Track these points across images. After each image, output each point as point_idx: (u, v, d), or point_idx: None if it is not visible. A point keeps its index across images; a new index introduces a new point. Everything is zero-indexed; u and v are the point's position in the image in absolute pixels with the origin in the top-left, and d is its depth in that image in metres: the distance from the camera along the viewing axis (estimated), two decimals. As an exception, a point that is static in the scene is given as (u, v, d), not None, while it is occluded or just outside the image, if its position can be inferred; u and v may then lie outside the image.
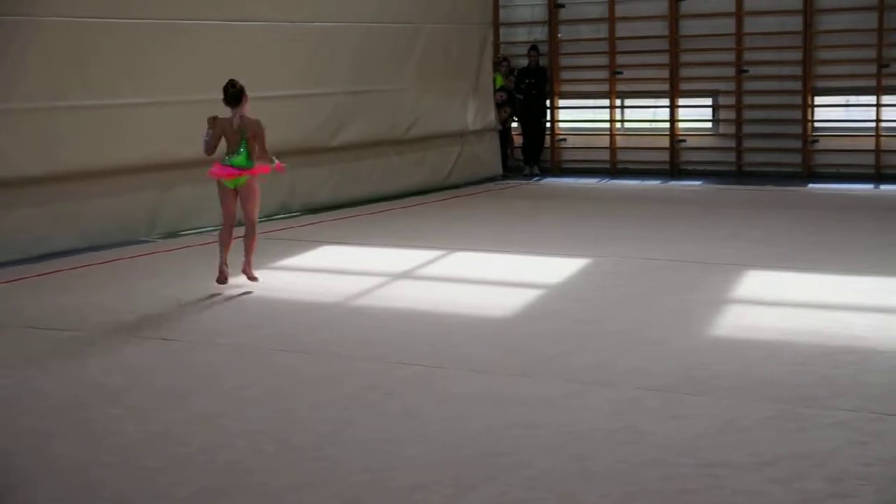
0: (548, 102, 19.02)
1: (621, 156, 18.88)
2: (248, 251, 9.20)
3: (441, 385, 6.34)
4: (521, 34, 19.40)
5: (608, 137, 18.89)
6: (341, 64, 14.53)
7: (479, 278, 9.62)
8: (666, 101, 18.46)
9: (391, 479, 4.85)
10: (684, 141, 18.51)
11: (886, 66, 16.74)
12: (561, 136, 19.35)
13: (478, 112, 17.30)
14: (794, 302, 8.32)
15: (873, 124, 17.16)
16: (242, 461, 5.12)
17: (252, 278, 9.19)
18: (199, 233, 12.09)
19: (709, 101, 18.59)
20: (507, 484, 4.76)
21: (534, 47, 18.64)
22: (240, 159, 8.90)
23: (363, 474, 4.91)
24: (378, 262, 10.45)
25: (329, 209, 14.08)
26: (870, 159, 17.16)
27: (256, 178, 9.09)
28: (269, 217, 13.23)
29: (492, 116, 17.73)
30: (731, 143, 18.18)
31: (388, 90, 15.42)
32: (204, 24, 12.58)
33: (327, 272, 10.13)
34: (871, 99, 17.15)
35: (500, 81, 18.34)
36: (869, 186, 16.24)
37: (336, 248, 11.35)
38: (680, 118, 18.53)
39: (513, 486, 4.74)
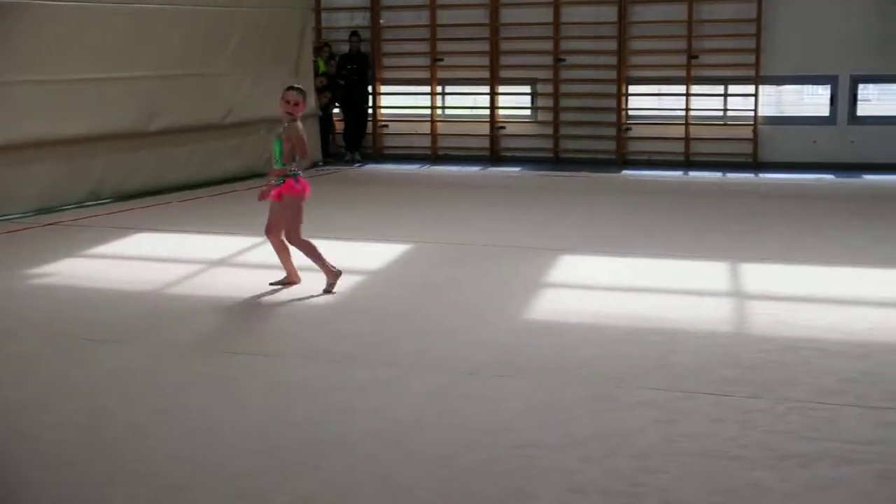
0: (369, 88, 19.05)
1: (442, 142, 19.09)
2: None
3: (265, 372, 6.30)
4: (343, 19, 19.36)
5: (429, 124, 19.07)
6: (156, 47, 14.21)
7: (301, 265, 9.57)
8: (486, 89, 18.74)
9: (215, 468, 4.81)
10: (504, 128, 18.84)
11: (696, 57, 17.42)
12: (383, 123, 19.41)
13: (299, 97, 17.16)
14: (607, 285, 8.59)
15: (683, 113, 17.82)
16: (58, 455, 4.98)
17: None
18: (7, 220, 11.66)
19: (527, 89, 18.97)
20: (329, 470, 4.78)
21: (355, 33, 18.64)
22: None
23: (187, 464, 4.85)
24: (195, 250, 10.29)
25: (145, 195, 13.77)
26: (680, 147, 17.83)
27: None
28: (79, 204, 12.86)
29: (312, 102, 17.63)
30: (549, 131, 18.60)
31: (205, 74, 15.16)
32: (16, 2, 12.12)
33: (141, 260, 9.91)
34: (681, 89, 17.82)
35: (321, 67, 18.26)
36: (679, 173, 16.87)
37: (151, 236, 11.11)
38: (500, 105, 18.85)
39: (335, 472, 4.77)
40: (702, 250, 9.98)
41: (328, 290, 8.37)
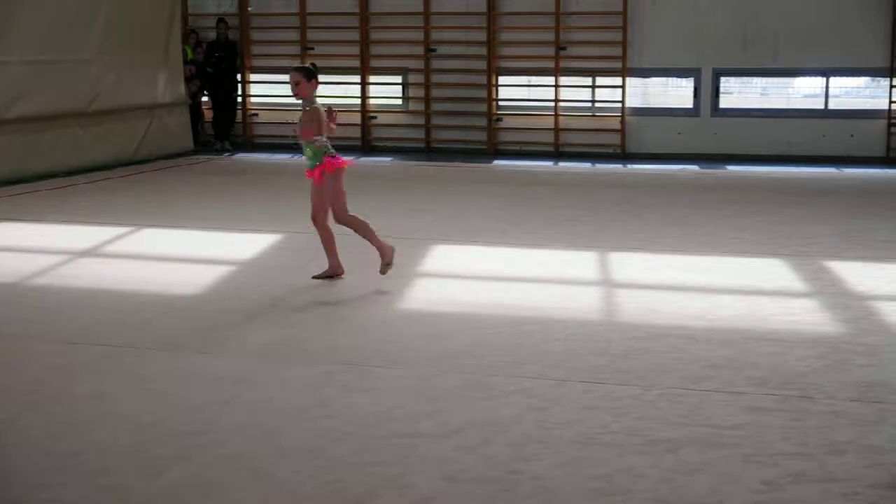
0: (238, 77, 18.78)
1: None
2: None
3: (130, 365, 6.16)
4: (210, 6, 19.04)
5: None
6: (15, 31, 13.74)
7: (168, 255, 9.39)
8: (357, 78, 18.65)
9: (77, 464, 4.67)
10: (375, 118, 18.78)
11: (564, 48, 17.64)
12: (253, 112, 19.16)
13: (167, 85, 16.83)
14: (481, 274, 8.64)
15: (552, 104, 18.03)
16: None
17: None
18: None
19: (399, 79, 18.94)
20: (199, 464, 4.69)
21: (222, 20, 18.34)
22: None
23: (47, 459, 4.70)
24: (59, 240, 9.99)
25: (6, 184, 13.31)
26: (550, 137, 18.04)
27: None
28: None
29: (182, 89, 17.31)
30: (421, 121, 18.62)
31: (69, 60, 14.72)
32: None
33: (2, 250, 9.58)
34: (551, 80, 18.02)
35: (189, 54, 17.92)
36: (549, 163, 17.07)
37: (12, 225, 10.75)
38: (371, 95, 18.78)
39: (205, 465, 4.68)
40: (572, 239, 10.11)
41: (385, 270, 8.15)
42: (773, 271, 8.67)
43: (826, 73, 17.40)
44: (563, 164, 16.85)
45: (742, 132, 17.38)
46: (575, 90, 18.25)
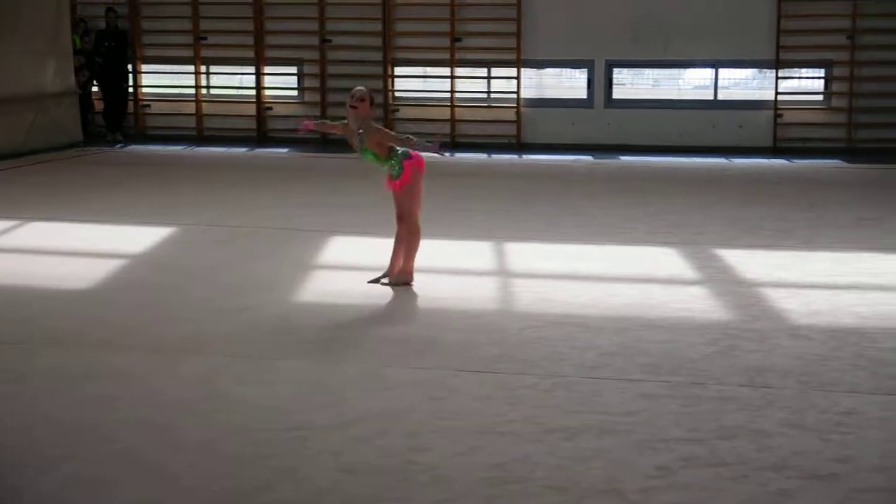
0: (129, 67, 18.41)
1: (208, 123, 18.66)
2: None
3: (18, 360, 5.99)
4: (100, -6, 18.63)
5: (194, 104, 18.60)
6: None
7: (56, 248, 9.16)
8: (252, 69, 18.43)
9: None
10: (271, 108, 18.59)
11: (459, 39, 17.67)
12: (145, 102, 18.81)
13: (56, 74, 16.41)
14: (377, 266, 8.59)
15: (448, 95, 18.05)
16: None
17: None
18: None
19: (294, 69, 18.76)
20: (90, 460, 4.58)
21: (111, 9, 17.94)
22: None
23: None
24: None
25: None
26: (446, 128, 18.05)
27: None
28: None
29: (71, 79, 16.90)
30: (316, 112, 18.46)
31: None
32: None
33: None
34: (446, 71, 18.04)
35: (77, 44, 17.49)
36: (446, 154, 17.05)
37: None
38: (266, 86, 18.58)
39: (97, 461, 4.57)
40: (467, 230, 10.14)
41: (379, 281, 7.88)
42: (664, 260, 8.80)
43: (715, 64, 17.74)
44: (459, 155, 16.89)
45: (634, 123, 17.63)
46: (470, 81, 18.30)
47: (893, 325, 6.79)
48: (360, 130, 7.78)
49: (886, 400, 5.37)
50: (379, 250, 9.19)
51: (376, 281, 7.89)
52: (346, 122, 8.01)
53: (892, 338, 6.46)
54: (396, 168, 7.85)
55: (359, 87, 7.99)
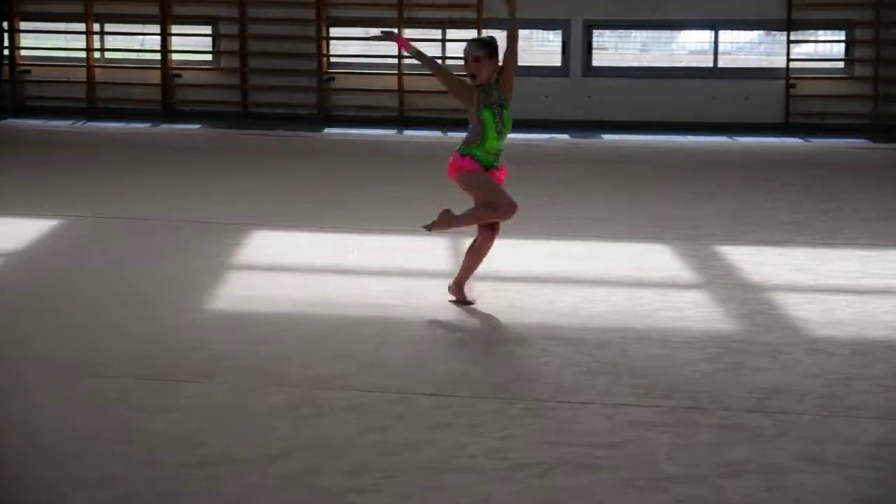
0: (4, 25, 18.23)
1: (102, 93, 18.51)
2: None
3: None
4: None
5: (85, 70, 18.42)
6: None
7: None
8: (156, 28, 18.29)
9: None
10: (179, 76, 18.47)
11: (409, -6, 17.67)
12: (24, 68, 18.63)
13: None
14: (307, 266, 8.57)
15: (395, 61, 18.02)
16: None
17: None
18: None
19: (208, 30, 18.66)
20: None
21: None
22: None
23: None
24: None
25: None
26: (393, 101, 18.02)
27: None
28: None
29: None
30: (236, 80, 18.39)
31: None
32: None
33: None
34: (393, 32, 18.00)
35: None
36: (392, 132, 17.07)
37: None
38: (174, 49, 18.45)
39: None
40: (418, 222, 10.09)
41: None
42: (655, 258, 8.82)
43: (715, 25, 17.86)
44: (408, 133, 16.87)
45: (619, 95, 17.70)
46: (423, 45, 18.27)
47: (930, 336, 6.83)
48: (495, 93, 7.51)
49: (923, 427, 5.39)
50: (312, 246, 9.15)
51: None
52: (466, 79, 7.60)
53: (928, 352, 6.50)
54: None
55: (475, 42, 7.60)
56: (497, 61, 7.46)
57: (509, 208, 7.48)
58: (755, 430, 5.35)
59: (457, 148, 7.60)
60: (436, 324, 7.06)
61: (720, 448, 5.13)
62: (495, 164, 7.56)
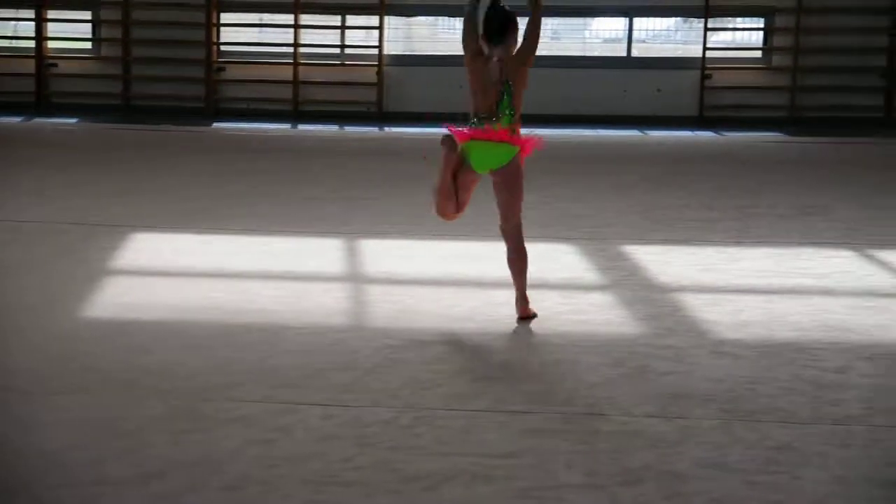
0: None
1: (-30, 84, 18.28)
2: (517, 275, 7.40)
3: None
4: None
5: (-49, 59, 18.20)
6: None
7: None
8: (31, 13, 18.10)
9: None
10: (55, 66, 18.29)
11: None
12: None
13: None
14: (191, 270, 8.56)
15: (291, 50, 17.99)
16: None
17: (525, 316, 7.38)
18: None
19: (87, 15, 18.50)
20: None
21: None
22: (505, 120, 7.36)
23: None
24: None
25: None
26: (287, 93, 18.00)
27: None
28: None
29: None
30: (117, 70, 18.27)
31: None
32: None
33: None
34: (288, 18, 17.97)
35: None
36: (286, 126, 17.04)
37: None
38: (49, 35, 18.27)
39: None
40: (311, 223, 10.15)
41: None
42: (560, 259, 8.93)
43: (628, 12, 18.06)
44: (303, 128, 16.87)
45: (528, 86, 17.81)
46: (319, 32, 18.28)
47: (838, 337, 7.01)
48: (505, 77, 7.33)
49: (827, 431, 5.54)
50: (197, 248, 9.14)
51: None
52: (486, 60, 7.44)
53: (836, 354, 6.67)
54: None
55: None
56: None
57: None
58: (656, 436, 5.47)
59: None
60: (325, 330, 7.10)
61: (620, 455, 5.24)
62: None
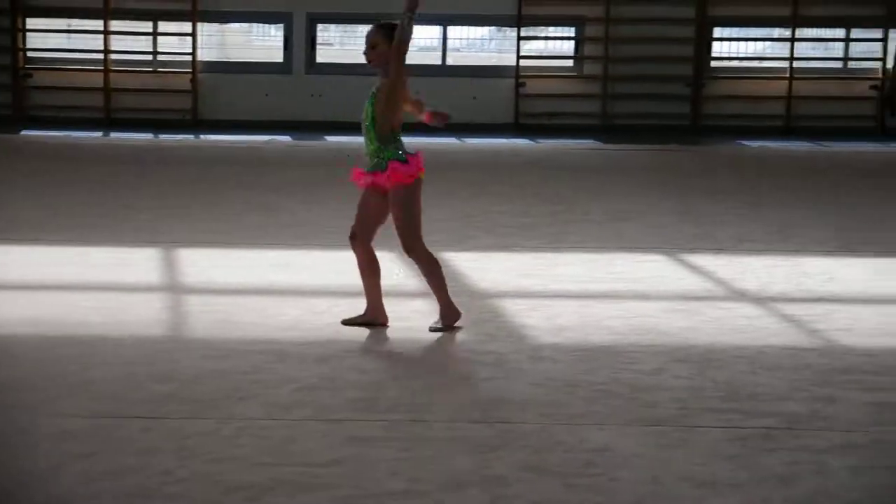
0: None
1: None
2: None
3: None
4: None
5: None
6: None
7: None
8: None
9: None
10: None
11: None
12: None
13: None
14: (8, 283, 8.39)
15: (101, 56, 17.71)
16: None
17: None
18: None
19: None
20: None
21: None
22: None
23: None
24: None
25: None
26: (98, 100, 17.72)
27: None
28: None
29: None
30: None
31: None
32: None
33: None
34: (98, 24, 17.68)
35: None
36: (97, 133, 16.76)
37: None
38: None
39: None
40: (127, 233, 10.02)
41: (439, 329, 7.34)
42: (380, 267, 8.96)
43: (443, 20, 18.19)
44: (116, 135, 16.63)
45: (344, 94, 17.81)
46: (131, 38, 18.03)
47: (652, 340, 7.19)
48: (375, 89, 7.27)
49: (643, 433, 5.68)
50: (13, 261, 8.94)
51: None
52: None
53: (651, 356, 6.85)
54: (380, 158, 7.31)
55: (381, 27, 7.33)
56: None
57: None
58: (478, 441, 5.54)
59: None
60: (145, 341, 7.02)
61: (443, 461, 5.29)
62: (373, 166, 7.37)
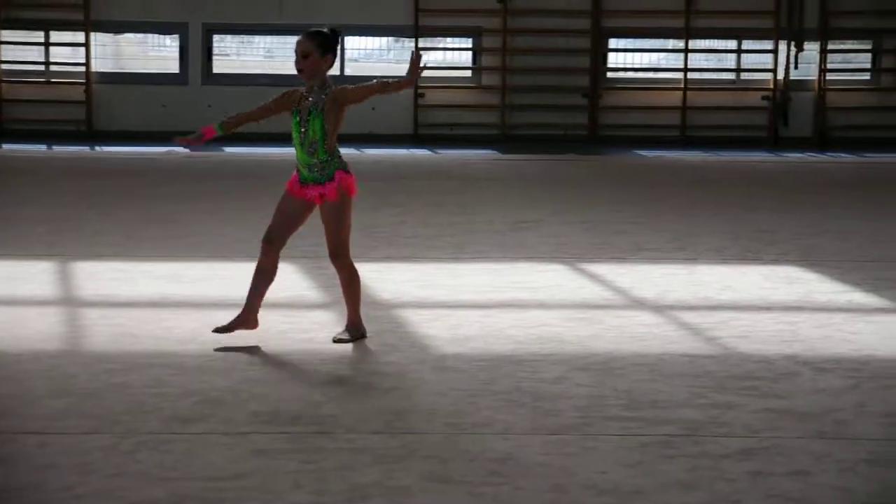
0: None
1: None
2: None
3: None
4: None
5: None
6: None
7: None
8: None
9: None
10: None
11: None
12: None
13: None
14: None
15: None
16: None
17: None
18: None
19: None
20: None
21: None
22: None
23: None
24: None
25: None
26: None
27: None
28: None
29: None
30: None
31: None
32: None
33: None
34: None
35: None
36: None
37: None
38: None
39: None
40: (22, 246, 9.90)
41: (343, 340, 7.25)
42: (281, 278, 8.87)
43: (342, 30, 18.19)
44: (8, 147, 16.41)
45: (242, 105, 17.68)
46: (23, 48, 17.81)
47: (554, 349, 7.23)
48: (311, 98, 7.18)
49: (546, 441, 5.70)
50: None
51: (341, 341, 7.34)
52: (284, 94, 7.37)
53: (553, 365, 6.88)
54: (320, 173, 7.27)
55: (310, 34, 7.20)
56: (332, 60, 7.18)
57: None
58: (382, 451, 5.53)
59: None
60: (41, 356, 6.92)
61: (347, 472, 5.27)
62: (314, 178, 7.30)
